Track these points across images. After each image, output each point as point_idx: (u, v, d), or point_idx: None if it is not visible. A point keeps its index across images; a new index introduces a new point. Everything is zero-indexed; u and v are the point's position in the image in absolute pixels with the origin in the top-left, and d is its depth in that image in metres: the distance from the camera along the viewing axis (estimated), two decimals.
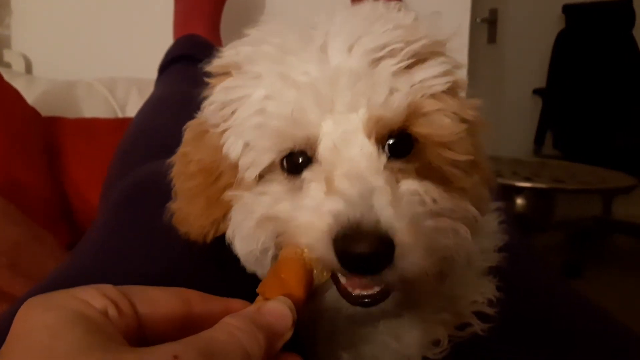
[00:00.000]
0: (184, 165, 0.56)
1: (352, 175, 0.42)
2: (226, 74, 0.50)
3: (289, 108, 0.45)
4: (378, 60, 0.45)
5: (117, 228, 0.68)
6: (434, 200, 0.44)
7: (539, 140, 3.72)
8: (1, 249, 0.78)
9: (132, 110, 1.51)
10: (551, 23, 3.79)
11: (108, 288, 0.33)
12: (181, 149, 0.57)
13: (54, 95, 1.53)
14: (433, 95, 0.46)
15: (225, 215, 0.52)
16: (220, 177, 0.52)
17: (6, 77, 1.30)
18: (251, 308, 0.37)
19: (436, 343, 0.51)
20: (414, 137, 0.47)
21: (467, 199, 0.48)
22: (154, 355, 0.28)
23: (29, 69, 1.84)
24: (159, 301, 0.35)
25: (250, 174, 0.48)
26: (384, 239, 0.39)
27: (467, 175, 0.49)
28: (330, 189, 0.42)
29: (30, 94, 1.48)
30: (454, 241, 0.44)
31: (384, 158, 0.44)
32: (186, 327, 0.35)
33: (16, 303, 0.51)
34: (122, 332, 0.31)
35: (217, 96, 0.50)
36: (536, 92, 3.77)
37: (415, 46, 0.46)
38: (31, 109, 1.34)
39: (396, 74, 0.45)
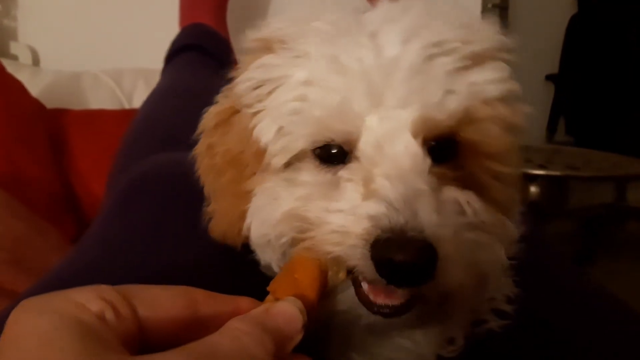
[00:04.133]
0: (210, 159, 0.52)
1: (395, 176, 0.39)
2: (267, 49, 0.47)
3: (334, 97, 0.42)
4: (434, 56, 0.42)
5: (120, 221, 0.67)
6: (475, 212, 0.41)
7: (551, 127, 3.69)
8: (3, 244, 0.77)
9: (138, 101, 1.49)
10: (563, 8, 3.74)
11: (106, 289, 0.31)
12: (204, 141, 0.53)
13: (59, 87, 1.52)
14: (486, 101, 0.43)
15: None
16: (247, 166, 0.49)
17: (12, 69, 1.29)
18: (259, 309, 0.35)
19: (451, 341, 0.49)
20: (460, 142, 0.44)
21: (502, 209, 0.45)
22: None
23: (35, 61, 1.83)
24: (162, 302, 0.33)
25: (279, 161, 0.45)
26: (429, 249, 0.36)
27: (506, 188, 0.46)
28: (369, 190, 0.39)
29: (36, 86, 1.47)
30: (490, 256, 0.42)
31: (429, 161, 0.41)
32: (192, 328, 0.33)
33: (15, 301, 0.49)
34: (121, 337, 0.30)
35: (253, 73, 0.47)
36: (548, 77, 3.74)
37: (473, 47, 0.43)
38: (35, 101, 1.33)
39: (452, 73, 0.42)
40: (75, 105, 1.47)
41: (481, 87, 0.43)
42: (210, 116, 0.53)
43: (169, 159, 0.77)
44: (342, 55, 0.42)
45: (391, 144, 0.41)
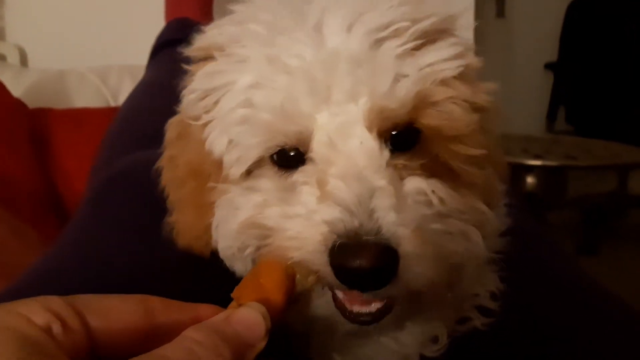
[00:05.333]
0: (173, 171, 0.51)
1: (349, 175, 0.38)
2: (208, 57, 0.45)
3: (279, 98, 0.40)
4: (381, 41, 0.39)
5: (91, 223, 0.66)
6: (442, 200, 0.39)
7: (551, 116, 3.68)
8: None
9: (124, 98, 1.46)
10: None
11: (53, 301, 0.30)
12: (166, 152, 0.52)
13: (45, 86, 1.51)
14: (443, 82, 0.41)
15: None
16: (210, 177, 0.47)
17: None
18: (219, 317, 0.33)
19: (434, 340, 0.48)
20: (420, 128, 0.42)
21: (477, 194, 0.43)
22: None
23: (24, 60, 1.82)
24: (116, 312, 0.32)
25: (237, 171, 0.43)
26: (387, 250, 0.35)
27: (478, 169, 0.44)
28: (324, 193, 0.38)
29: (21, 85, 1.47)
30: (464, 246, 0.40)
31: (387, 153, 0.39)
32: (150, 338, 0.31)
33: None
34: (68, 351, 0.28)
35: (198, 83, 0.45)
36: (548, 66, 3.72)
37: (423, 25, 0.41)
38: (16, 101, 1.33)
39: (401, 56, 0.39)
40: (60, 103, 1.46)
41: (435, 68, 0.40)
42: (171, 127, 0.51)
43: (142, 158, 0.75)
44: (282, 54, 0.40)
45: (344, 141, 0.39)
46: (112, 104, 1.51)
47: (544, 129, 3.71)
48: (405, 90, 0.39)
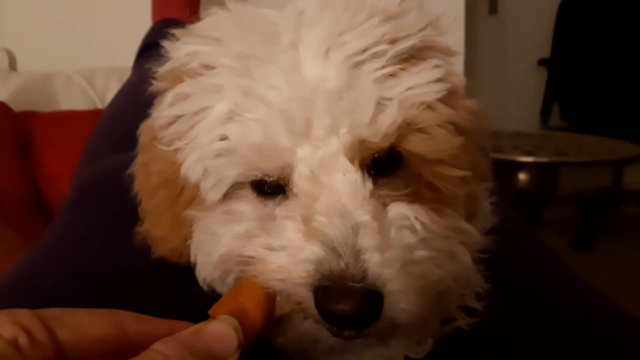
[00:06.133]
0: (145, 178, 0.49)
1: (334, 212, 0.37)
2: (177, 80, 0.43)
3: (257, 134, 0.38)
4: (360, 64, 0.38)
5: (66, 227, 0.65)
6: (425, 226, 0.39)
7: (545, 112, 3.67)
8: None
9: None
10: None
11: (21, 314, 0.29)
12: (139, 158, 0.50)
13: (31, 89, 1.51)
14: (426, 106, 0.39)
15: (189, 236, 0.47)
16: (183, 191, 0.46)
17: None
18: (189, 330, 0.33)
19: (419, 342, 0.47)
20: (402, 153, 0.41)
21: (459, 211, 0.43)
22: None
23: (12, 64, 1.80)
24: (85, 325, 0.31)
25: (214, 196, 0.43)
26: (372, 294, 0.35)
27: (461, 188, 0.43)
28: (309, 229, 0.37)
29: (7, 88, 1.46)
30: (451, 268, 0.40)
31: (369, 185, 0.39)
32: (120, 353, 0.31)
33: None
34: None
35: (169, 107, 0.43)
36: (541, 62, 3.71)
37: (403, 45, 0.39)
38: (1, 104, 1.31)
39: (382, 80, 0.38)
40: (47, 106, 1.46)
41: (418, 91, 0.39)
42: (144, 131, 0.50)
43: (122, 161, 0.74)
44: (257, 86, 0.39)
45: (327, 174, 0.39)
46: (99, 106, 1.50)
47: (538, 126, 3.70)
48: (388, 121, 0.38)
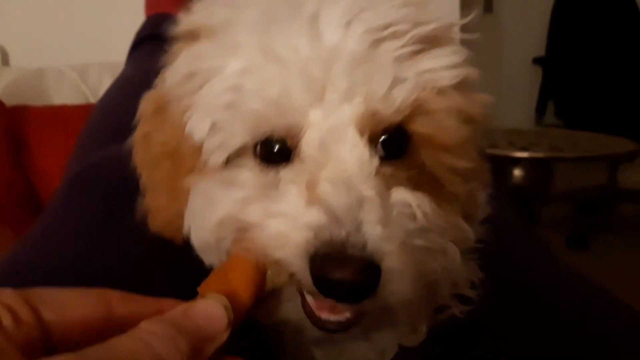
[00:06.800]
0: (146, 150, 0.48)
1: (339, 181, 0.37)
2: (195, 38, 0.43)
3: (272, 88, 0.38)
4: (380, 41, 0.38)
5: (57, 218, 0.64)
6: (425, 215, 0.39)
7: (540, 111, 3.68)
8: None
9: None
10: None
11: (5, 293, 0.29)
12: (141, 129, 0.49)
13: (24, 84, 1.50)
14: (440, 90, 0.40)
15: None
16: (185, 160, 0.45)
17: None
18: (177, 309, 0.32)
19: (413, 330, 0.47)
20: (410, 134, 0.41)
21: (458, 209, 0.43)
22: None
23: (5, 59, 1.80)
24: (71, 304, 0.31)
25: (216, 159, 0.42)
26: (371, 266, 0.35)
27: (464, 182, 0.43)
28: (312, 196, 0.37)
29: (0, 84, 1.45)
30: (442, 263, 0.39)
31: (376, 161, 0.38)
32: (108, 332, 0.30)
33: None
34: (20, 343, 0.28)
35: (182, 65, 0.43)
36: (536, 61, 3.72)
37: (424, 29, 0.39)
38: None
39: (400, 59, 0.38)
40: (39, 101, 1.44)
41: (434, 75, 0.39)
42: (147, 102, 0.49)
43: (113, 152, 0.73)
44: (276, 45, 0.39)
45: (336, 143, 0.38)
46: (92, 101, 1.49)
47: (534, 124, 3.71)
48: (402, 96, 0.38)
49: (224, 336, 0.32)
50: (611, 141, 2.48)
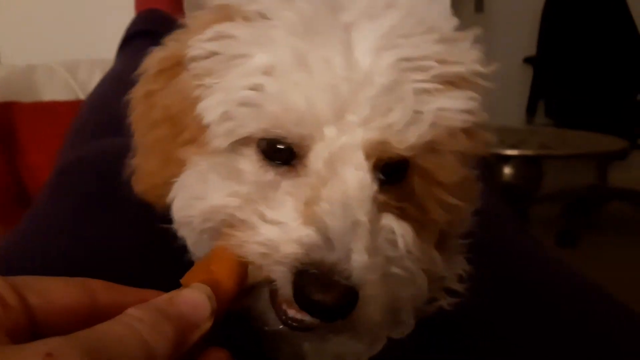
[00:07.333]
0: (147, 109, 0.48)
1: (338, 203, 0.38)
2: (227, 17, 0.43)
3: (296, 95, 0.38)
4: (407, 72, 0.39)
5: (45, 211, 0.65)
6: (406, 244, 0.40)
7: (531, 110, 3.69)
8: None
9: None
10: None
11: None
12: (143, 86, 0.49)
13: (14, 80, 1.49)
14: (451, 131, 0.41)
15: (177, 176, 0.45)
16: (186, 129, 0.45)
17: None
18: (162, 297, 0.33)
19: (372, 341, 0.48)
20: (412, 166, 0.42)
21: (435, 232, 0.44)
22: (24, 353, 0.25)
23: None
24: (56, 292, 0.31)
25: (221, 143, 0.42)
26: (350, 294, 0.36)
27: (450, 217, 0.44)
28: (309, 211, 0.37)
29: None
30: (411, 291, 0.41)
31: (374, 186, 0.39)
32: (91, 320, 0.31)
33: None
34: (7, 328, 0.28)
35: (208, 42, 0.42)
36: (527, 60, 3.73)
37: (450, 69, 0.40)
38: None
39: (421, 93, 0.39)
40: (29, 98, 1.44)
41: (448, 115, 0.40)
42: (153, 60, 0.48)
43: (102, 146, 0.75)
44: (310, 53, 0.39)
45: (342, 163, 0.39)
46: (82, 97, 1.48)
47: (524, 123, 3.72)
48: (418, 135, 0.39)
49: (207, 325, 0.32)
50: (601, 139, 2.49)
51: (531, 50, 3.72)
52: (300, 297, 0.36)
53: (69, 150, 0.88)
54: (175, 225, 0.46)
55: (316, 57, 0.39)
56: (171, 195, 0.45)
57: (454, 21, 0.44)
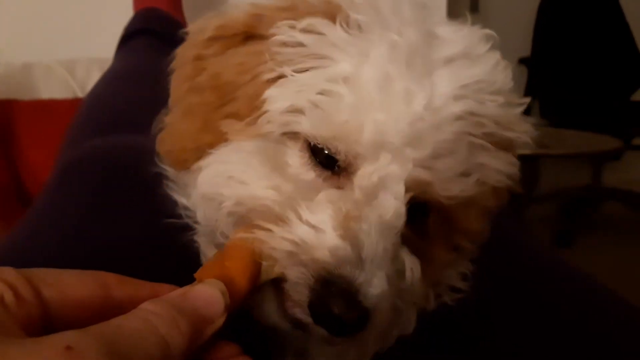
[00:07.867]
0: (195, 72, 0.47)
1: (377, 227, 0.38)
2: (328, 14, 0.42)
3: (368, 114, 0.39)
4: (469, 125, 0.41)
5: (51, 206, 0.64)
6: (412, 281, 0.41)
7: (525, 111, 3.69)
8: None
9: None
10: None
11: (7, 272, 0.29)
12: (193, 47, 0.48)
13: (12, 79, 1.49)
14: (485, 189, 0.42)
15: (214, 146, 0.45)
16: (232, 101, 0.44)
17: None
18: (177, 292, 0.33)
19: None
20: (439, 209, 0.43)
21: (439, 271, 0.46)
22: (42, 346, 0.24)
23: None
24: (70, 285, 0.31)
25: (272, 129, 0.42)
26: (364, 318, 0.36)
27: (458, 259, 0.47)
28: (346, 226, 0.38)
29: None
30: (401, 324, 0.42)
31: (404, 220, 0.40)
32: (105, 313, 0.31)
33: None
34: (21, 320, 0.28)
35: (299, 33, 0.42)
36: (522, 61, 3.74)
37: (504, 134, 0.42)
38: None
39: (474, 148, 0.41)
40: (27, 96, 1.45)
41: (492, 175, 0.42)
42: (209, 23, 0.47)
43: (102, 145, 0.75)
44: (397, 80, 0.39)
45: (385, 190, 0.39)
46: (80, 95, 1.49)
47: None
48: (461, 190, 0.41)
49: (221, 320, 0.32)
50: (597, 139, 2.50)
51: (526, 51, 3.73)
52: (318, 305, 0.36)
53: (69, 149, 0.87)
54: (192, 198, 0.46)
55: (401, 87, 0.39)
56: (201, 163, 0.45)
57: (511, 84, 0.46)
